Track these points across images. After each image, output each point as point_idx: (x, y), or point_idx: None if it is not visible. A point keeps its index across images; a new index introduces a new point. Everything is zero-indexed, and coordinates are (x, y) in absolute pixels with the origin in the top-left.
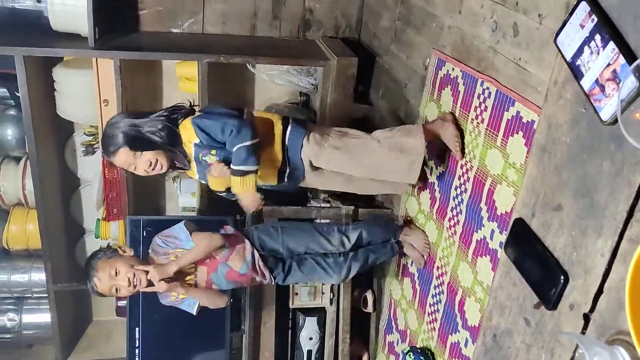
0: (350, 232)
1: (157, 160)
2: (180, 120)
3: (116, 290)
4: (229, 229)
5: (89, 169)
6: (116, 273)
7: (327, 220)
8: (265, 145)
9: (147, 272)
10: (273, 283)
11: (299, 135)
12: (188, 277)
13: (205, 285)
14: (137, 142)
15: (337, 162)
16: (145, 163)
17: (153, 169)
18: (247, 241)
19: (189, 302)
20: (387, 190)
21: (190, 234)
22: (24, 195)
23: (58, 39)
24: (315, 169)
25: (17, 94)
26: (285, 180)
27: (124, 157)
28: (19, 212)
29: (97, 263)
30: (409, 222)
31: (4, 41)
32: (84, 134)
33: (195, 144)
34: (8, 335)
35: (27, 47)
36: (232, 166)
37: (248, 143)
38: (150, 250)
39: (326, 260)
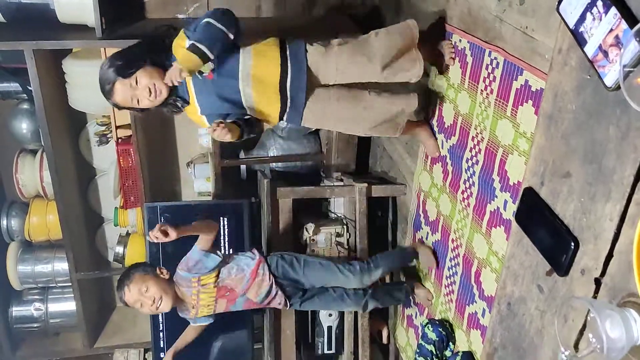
0: (373, 271)
1: (154, 84)
2: (170, 40)
3: (140, 305)
4: (255, 253)
5: (104, 159)
6: (146, 289)
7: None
8: (264, 68)
9: (172, 301)
10: (288, 308)
11: (300, 42)
12: (207, 310)
13: (224, 310)
14: (126, 67)
15: (347, 55)
16: (144, 91)
17: (155, 96)
18: (267, 273)
19: (202, 319)
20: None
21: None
22: (42, 187)
23: (66, 31)
24: (316, 92)
25: (29, 88)
26: (287, 109)
27: (122, 91)
28: (39, 204)
29: (134, 274)
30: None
31: (13, 36)
32: (97, 124)
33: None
34: (35, 325)
35: (36, 40)
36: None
37: (218, 25)
38: (174, 280)
39: (347, 292)
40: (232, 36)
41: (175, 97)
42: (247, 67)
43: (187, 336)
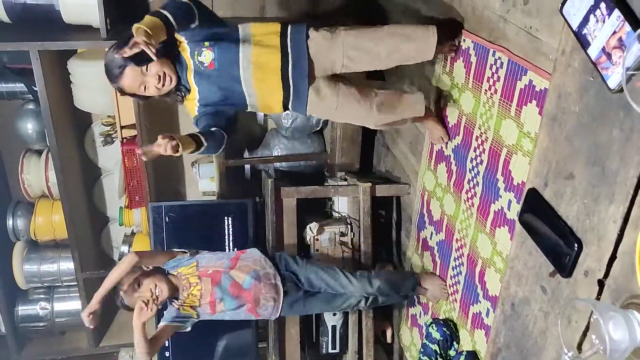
0: (374, 278)
1: (164, 72)
2: None
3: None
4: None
5: (109, 159)
6: (139, 285)
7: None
8: (264, 55)
9: (166, 284)
10: (278, 313)
11: (301, 27)
12: (194, 289)
13: (210, 298)
14: (140, 56)
15: (354, 39)
16: (154, 78)
17: (163, 84)
18: (261, 256)
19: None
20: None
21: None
22: (47, 188)
23: (71, 32)
24: (320, 84)
25: (35, 88)
26: (291, 97)
27: (131, 77)
28: (44, 204)
29: (122, 279)
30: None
31: (19, 37)
32: (102, 124)
33: (189, 40)
34: (42, 324)
35: (41, 41)
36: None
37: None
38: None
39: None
40: (197, 14)
41: (179, 85)
42: (248, 55)
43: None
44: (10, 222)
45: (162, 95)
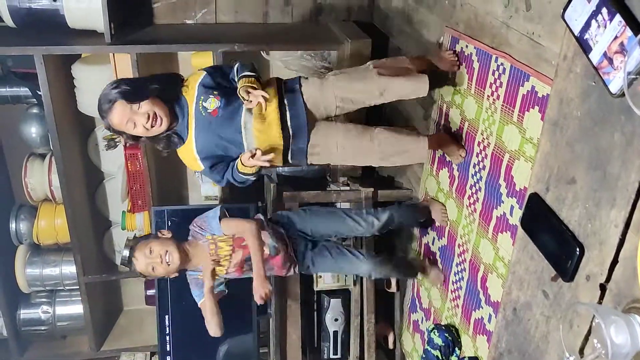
0: (380, 213)
1: (154, 112)
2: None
3: (152, 268)
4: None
5: (112, 163)
6: (150, 251)
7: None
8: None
9: (180, 253)
10: (296, 270)
11: (294, 81)
12: (224, 260)
13: (238, 268)
14: (133, 94)
15: (344, 84)
16: (143, 117)
17: (152, 125)
18: (267, 220)
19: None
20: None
21: (220, 221)
22: (50, 191)
23: (75, 36)
24: (318, 123)
25: (39, 93)
26: (290, 145)
27: (120, 112)
28: (47, 207)
29: (137, 245)
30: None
31: (24, 41)
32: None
33: (200, 83)
34: (43, 328)
35: (46, 46)
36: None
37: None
38: (190, 237)
39: (357, 249)
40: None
41: (172, 133)
42: (248, 111)
43: (210, 310)
44: (13, 226)
45: (150, 139)
